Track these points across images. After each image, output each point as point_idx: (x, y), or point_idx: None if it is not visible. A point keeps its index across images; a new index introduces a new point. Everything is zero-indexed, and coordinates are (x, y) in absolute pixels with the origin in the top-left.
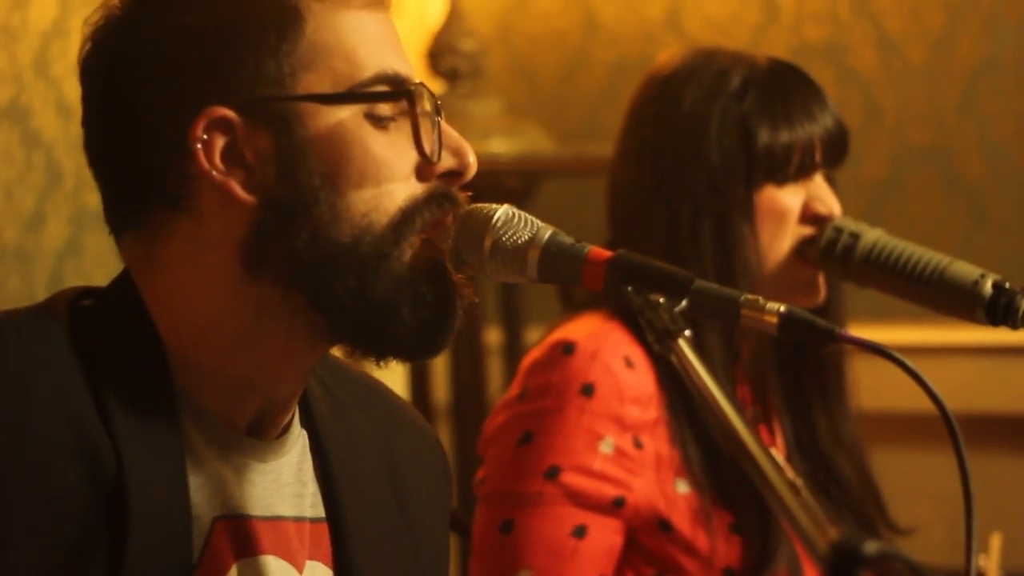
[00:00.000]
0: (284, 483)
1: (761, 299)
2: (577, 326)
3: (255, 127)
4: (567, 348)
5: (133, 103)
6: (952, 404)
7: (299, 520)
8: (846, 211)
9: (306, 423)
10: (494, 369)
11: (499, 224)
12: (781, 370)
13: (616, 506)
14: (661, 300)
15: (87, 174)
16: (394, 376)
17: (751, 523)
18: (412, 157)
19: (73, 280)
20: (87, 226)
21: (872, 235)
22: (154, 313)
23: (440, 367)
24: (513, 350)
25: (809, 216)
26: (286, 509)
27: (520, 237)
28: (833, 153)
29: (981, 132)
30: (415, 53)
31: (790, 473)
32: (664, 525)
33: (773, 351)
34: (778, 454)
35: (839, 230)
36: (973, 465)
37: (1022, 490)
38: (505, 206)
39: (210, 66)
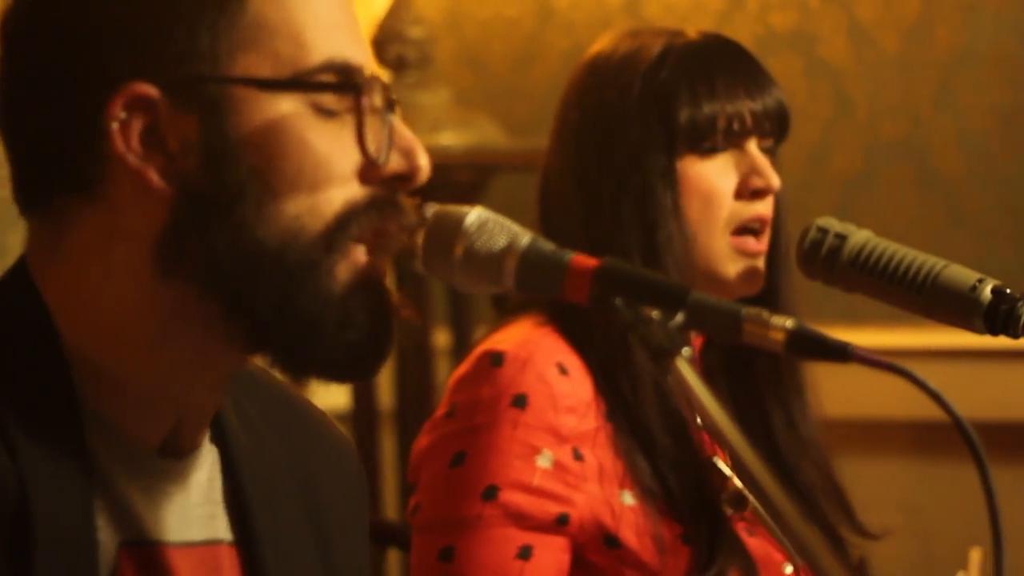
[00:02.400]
0: (195, 504)
1: (765, 313)
2: (505, 335)
3: (180, 109)
4: (495, 359)
5: (46, 70)
6: (932, 412)
7: (210, 544)
8: (815, 209)
9: (215, 438)
10: (442, 373)
11: (472, 229)
12: (730, 367)
13: (560, 523)
14: (654, 315)
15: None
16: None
17: (701, 533)
18: (356, 156)
19: None
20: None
21: (860, 236)
22: (54, 311)
23: (385, 371)
24: (462, 353)
25: (746, 191)
26: (198, 533)
27: (495, 244)
28: (769, 124)
29: (958, 125)
30: None
31: (738, 484)
32: (611, 540)
33: (720, 347)
34: (724, 464)
35: (824, 231)
36: (957, 476)
37: (1008, 500)
38: (478, 209)
39: (135, 35)
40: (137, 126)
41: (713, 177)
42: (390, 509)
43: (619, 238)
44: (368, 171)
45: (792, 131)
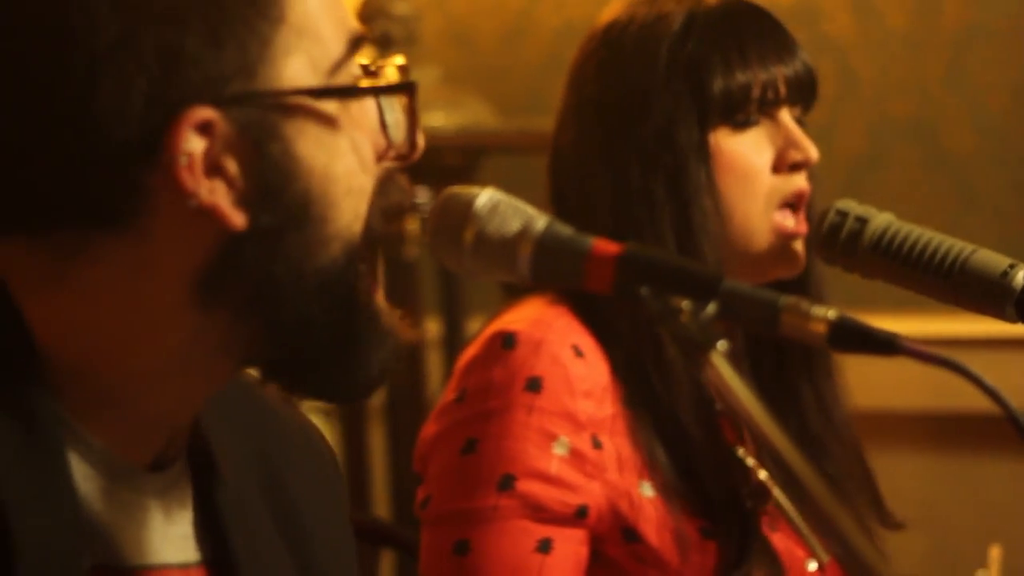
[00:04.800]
0: (174, 522)
1: (804, 303)
2: (517, 315)
3: (238, 130)
4: (507, 340)
5: (66, 84)
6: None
7: (185, 567)
8: (820, 192)
9: (188, 445)
10: (433, 364)
11: (483, 212)
12: (759, 348)
13: (579, 515)
14: (684, 305)
15: None
16: None
17: (726, 527)
18: (374, 140)
19: None
20: None
21: (881, 219)
22: (43, 338)
23: None
24: (453, 343)
25: (783, 165)
26: (174, 555)
27: (508, 228)
28: (800, 92)
29: (969, 104)
30: None
31: (762, 475)
32: (629, 534)
33: (745, 331)
34: (747, 453)
35: (843, 213)
36: (973, 470)
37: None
38: (489, 189)
39: (186, 53)
40: (199, 156)
41: (749, 152)
42: (380, 506)
43: (651, 219)
44: (384, 154)
45: None
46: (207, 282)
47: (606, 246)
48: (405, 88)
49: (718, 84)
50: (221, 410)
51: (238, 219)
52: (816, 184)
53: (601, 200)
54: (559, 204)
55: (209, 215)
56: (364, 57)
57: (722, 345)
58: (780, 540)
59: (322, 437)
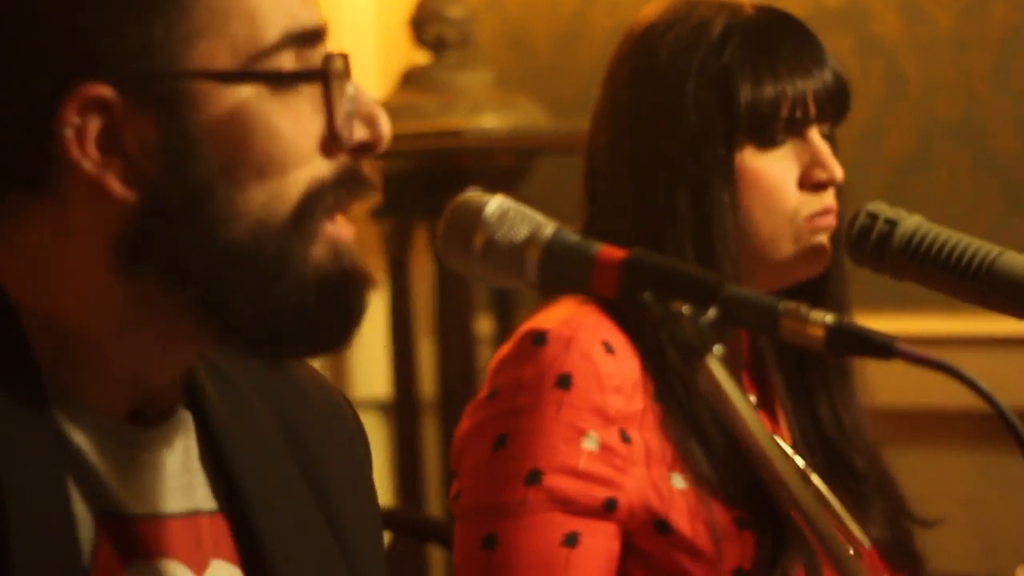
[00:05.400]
0: (171, 475)
1: (803, 308)
2: (548, 314)
3: (138, 108)
4: (537, 338)
5: None
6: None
7: (192, 515)
8: (866, 192)
9: (189, 403)
10: (485, 361)
11: (492, 219)
12: (781, 351)
13: (608, 509)
14: (684, 310)
15: None
16: (376, 368)
17: (762, 517)
18: (318, 129)
19: None
20: None
21: (911, 222)
22: (13, 292)
23: (427, 359)
24: (505, 339)
25: (808, 183)
26: (176, 504)
27: (517, 234)
28: (831, 108)
29: (1016, 105)
30: (398, 20)
31: (801, 463)
32: (661, 526)
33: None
34: (784, 442)
35: (874, 216)
36: (1018, 468)
37: None
38: (499, 197)
39: (84, 30)
40: (93, 130)
41: (774, 171)
42: (433, 503)
43: (672, 230)
44: (331, 145)
45: None
46: (123, 252)
47: (611, 252)
48: (315, 76)
49: (745, 95)
50: (239, 368)
51: (127, 195)
52: (848, 194)
53: (626, 206)
54: (591, 205)
55: (100, 188)
56: (319, 51)
57: (718, 350)
58: None
59: (345, 402)
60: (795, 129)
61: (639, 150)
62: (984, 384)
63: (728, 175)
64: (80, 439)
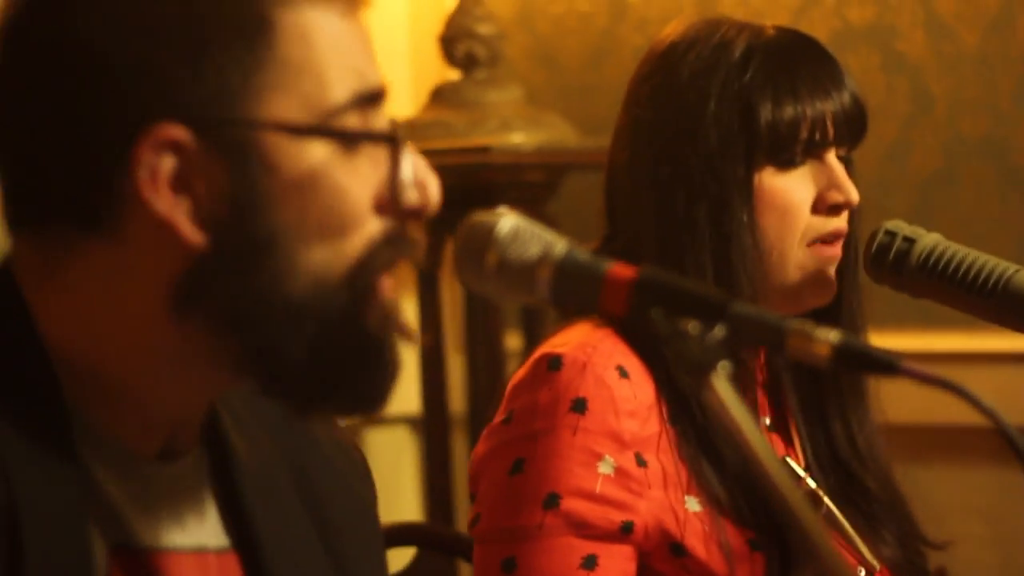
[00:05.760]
0: (185, 510)
1: (809, 326)
2: (563, 338)
3: (210, 153)
4: (552, 363)
5: (62, 96)
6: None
7: (202, 551)
8: (892, 209)
9: (206, 439)
10: None
11: (504, 238)
12: (797, 371)
13: (624, 532)
14: (692, 327)
15: None
16: (407, 384)
17: (773, 538)
18: (374, 190)
19: None
20: None
21: (928, 240)
22: (45, 328)
23: (456, 375)
24: None
25: (823, 206)
26: (188, 539)
27: (528, 253)
28: (848, 131)
29: None
30: (429, 37)
31: (811, 484)
32: (677, 549)
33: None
34: (796, 463)
35: (892, 234)
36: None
37: None
38: (512, 215)
39: (165, 71)
40: (166, 170)
41: (792, 192)
42: (463, 518)
43: (692, 247)
44: (388, 207)
45: (869, 128)
46: (180, 294)
47: (622, 270)
48: (384, 140)
49: (766, 116)
50: (251, 408)
51: (196, 237)
52: (874, 211)
53: (647, 223)
54: (611, 224)
55: (168, 229)
56: (381, 111)
57: (724, 367)
58: None
59: (357, 452)
60: (814, 151)
61: (660, 167)
62: (1007, 401)
63: (747, 194)
64: (101, 473)
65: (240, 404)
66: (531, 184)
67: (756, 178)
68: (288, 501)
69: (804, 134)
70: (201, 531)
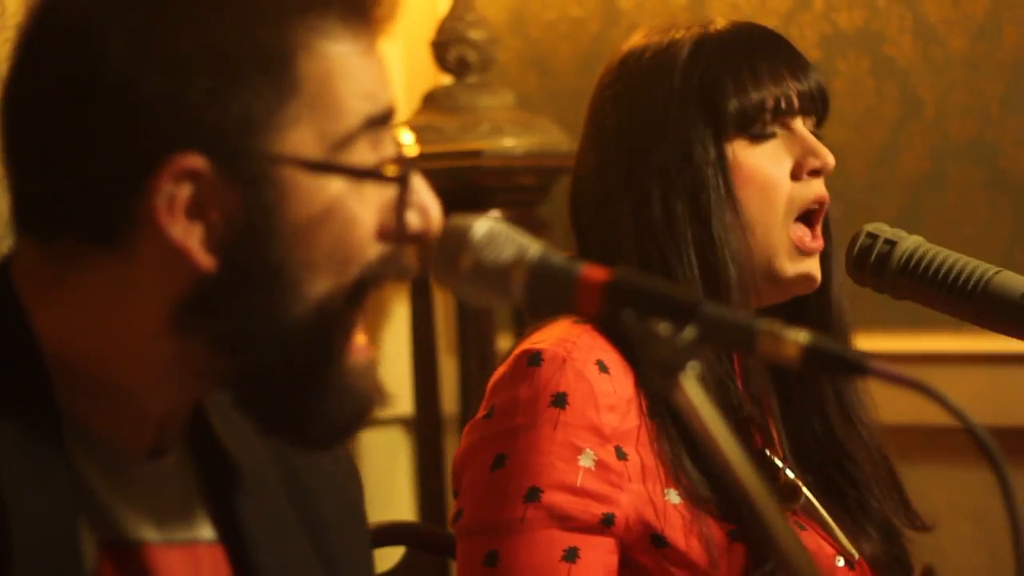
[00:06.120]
0: (174, 504)
1: (778, 326)
2: (543, 334)
3: (226, 182)
4: (533, 358)
5: (85, 122)
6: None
7: (192, 543)
8: (880, 213)
9: (194, 436)
10: None
11: (479, 241)
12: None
13: (605, 524)
14: (663, 328)
15: None
16: (399, 386)
17: (752, 531)
18: (379, 214)
19: None
20: None
21: (909, 242)
22: (41, 329)
23: (449, 376)
24: None
25: (802, 173)
26: (177, 533)
27: (503, 256)
28: (813, 104)
29: None
30: (421, 42)
31: (790, 475)
32: (657, 540)
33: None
34: (775, 456)
35: (873, 236)
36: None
37: None
38: (487, 219)
39: (190, 102)
40: (183, 198)
41: (768, 163)
42: None
43: (673, 239)
44: (392, 235)
45: (859, 132)
46: (183, 312)
47: (595, 272)
48: (396, 179)
49: (732, 105)
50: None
51: (206, 261)
52: (863, 215)
53: (624, 226)
54: (579, 235)
55: (179, 252)
56: (389, 133)
57: (693, 367)
58: (809, 538)
59: (347, 456)
60: (781, 119)
61: (631, 167)
62: (991, 401)
63: (722, 168)
64: (90, 470)
65: (227, 401)
66: (523, 188)
67: (730, 153)
68: (276, 497)
69: (770, 104)
70: (189, 525)
